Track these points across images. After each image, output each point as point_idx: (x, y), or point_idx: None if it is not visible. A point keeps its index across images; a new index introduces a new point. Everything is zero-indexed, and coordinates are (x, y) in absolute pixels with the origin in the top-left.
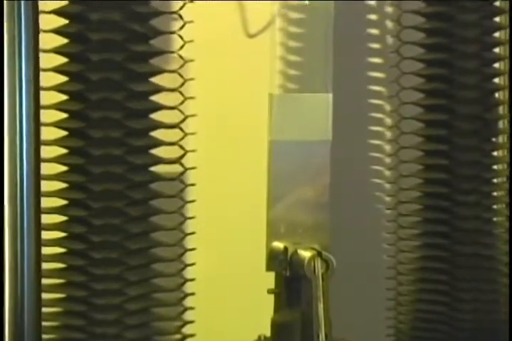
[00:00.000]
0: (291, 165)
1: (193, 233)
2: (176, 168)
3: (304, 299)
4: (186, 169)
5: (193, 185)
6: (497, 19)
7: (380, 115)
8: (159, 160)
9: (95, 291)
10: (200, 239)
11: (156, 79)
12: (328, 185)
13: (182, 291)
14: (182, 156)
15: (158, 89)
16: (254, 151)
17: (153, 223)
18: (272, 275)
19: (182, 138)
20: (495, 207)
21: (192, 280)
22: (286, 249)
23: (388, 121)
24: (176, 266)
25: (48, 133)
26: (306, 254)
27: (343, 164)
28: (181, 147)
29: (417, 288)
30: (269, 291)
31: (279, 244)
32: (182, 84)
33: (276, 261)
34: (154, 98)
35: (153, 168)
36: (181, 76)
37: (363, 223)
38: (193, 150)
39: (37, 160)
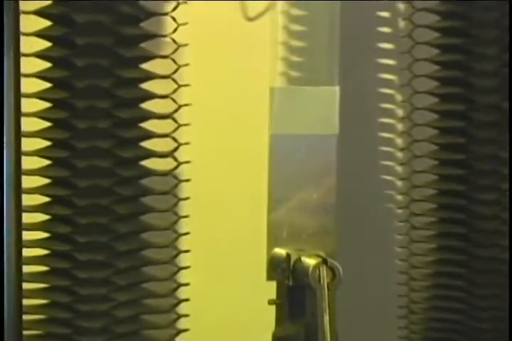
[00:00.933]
0: (295, 163)
1: (187, 233)
2: (169, 162)
3: (308, 311)
4: (180, 163)
5: (187, 180)
6: None
7: (390, 106)
8: (150, 154)
9: (80, 297)
10: (195, 241)
11: (147, 66)
12: (334, 184)
13: (175, 297)
14: (175, 149)
15: (150, 76)
16: (253, 146)
17: (144, 222)
18: (273, 284)
19: (175, 130)
20: None
21: (186, 284)
22: (288, 255)
23: (400, 112)
24: (168, 269)
25: (29, 124)
26: (310, 262)
27: (351, 160)
28: (174, 139)
29: (431, 294)
30: (270, 302)
31: (280, 251)
32: (175, 71)
33: (277, 269)
34: (145, 86)
35: (143, 162)
36: (174, 62)
37: (372, 225)
38: (186, 143)
39: (17, 153)
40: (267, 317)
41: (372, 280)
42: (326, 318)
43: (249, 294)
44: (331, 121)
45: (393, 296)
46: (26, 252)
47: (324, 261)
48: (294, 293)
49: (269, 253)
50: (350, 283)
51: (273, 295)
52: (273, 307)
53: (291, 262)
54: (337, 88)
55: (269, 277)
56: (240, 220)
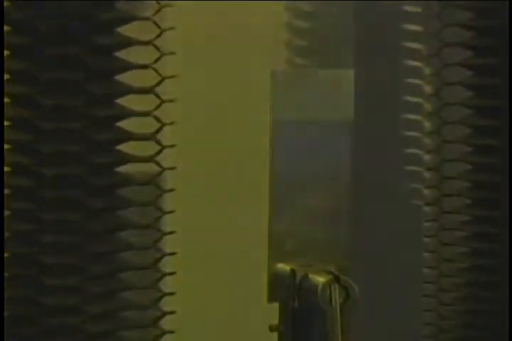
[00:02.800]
0: (301, 157)
1: (172, 232)
2: (151, 146)
3: (316, 337)
4: (163, 147)
5: (172, 168)
6: None
7: (416, 81)
8: (128, 136)
9: (46, 307)
10: (182, 244)
11: (124, 30)
12: (349, 183)
13: (159, 309)
14: (158, 130)
15: (128, 42)
16: (252, 137)
17: (122, 218)
18: (275, 307)
19: (158, 107)
20: None
21: (172, 293)
22: (293, 272)
23: (427, 88)
24: (152, 275)
25: None
26: (319, 279)
27: (368, 150)
28: (157, 118)
29: (464, 308)
30: (272, 328)
31: (284, 266)
32: (158, 36)
33: (280, 288)
34: (121, 54)
35: (120, 147)
36: (157, 25)
37: (393, 229)
38: (171, 123)
39: None
40: None
41: (393, 299)
42: None
43: (248, 318)
44: (345, 108)
45: (418, 313)
46: None
47: (336, 279)
48: (300, 317)
49: (271, 269)
50: (367, 304)
51: (275, 320)
52: (275, 335)
53: (297, 280)
54: (351, 71)
55: (271, 298)
56: (236, 230)
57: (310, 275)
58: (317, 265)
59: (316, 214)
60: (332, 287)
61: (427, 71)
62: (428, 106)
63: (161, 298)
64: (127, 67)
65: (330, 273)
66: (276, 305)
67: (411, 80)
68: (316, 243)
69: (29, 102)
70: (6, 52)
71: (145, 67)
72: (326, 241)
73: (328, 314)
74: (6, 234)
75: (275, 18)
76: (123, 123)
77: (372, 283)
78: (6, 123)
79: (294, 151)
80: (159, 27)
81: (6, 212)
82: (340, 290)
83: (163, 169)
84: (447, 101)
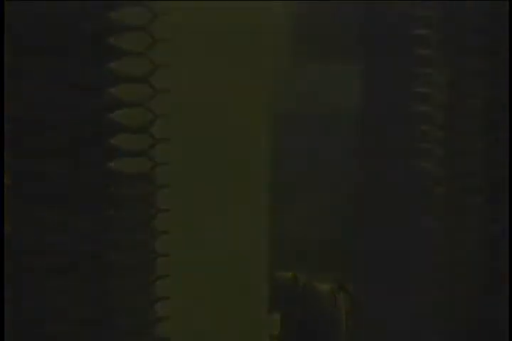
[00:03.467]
0: (302, 155)
1: (165, 232)
2: (143, 142)
3: None
4: (157, 142)
5: (165, 164)
6: None
7: (427, 70)
8: (119, 129)
9: (38, 312)
10: (177, 244)
11: (117, 16)
12: (352, 182)
13: (152, 314)
14: (151, 122)
15: (121, 28)
16: (252, 128)
17: (114, 216)
18: (276, 315)
19: (152, 98)
20: None
21: (167, 298)
22: (296, 279)
23: (440, 78)
24: (145, 277)
25: None
26: (323, 287)
27: (372, 146)
28: (149, 110)
29: (475, 312)
30: (273, 338)
31: (286, 274)
32: (151, 21)
33: (282, 296)
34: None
35: (111, 140)
36: (151, 11)
37: (401, 230)
38: (164, 115)
39: None
40: None
41: (401, 305)
42: None
43: (248, 327)
44: (348, 104)
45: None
46: None
47: (341, 286)
48: (302, 326)
49: (272, 276)
50: (373, 310)
51: (276, 329)
52: None
53: (300, 287)
54: (353, 66)
55: (272, 307)
56: (234, 235)
57: (314, 283)
58: (321, 272)
59: (318, 216)
60: (337, 294)
61: (440, 60)
62: (440, 98)
63: (154, 302)
64: (120, 53)
65: (334, 280)
66: (278, 314)
67: (422, 70)
68: (319, 248)
69: (14, 83)
70: None
71: (139, 54)
72: (332, 245)
73: (334, 322)
74: None
75: (279, 6)
76: (114, 113)
77: (376, 288)
78: None
79: (294, 147)
80: (153, 13)
81: None
82: (347, 298)
83: (156, 164)
84: (460, 92)
